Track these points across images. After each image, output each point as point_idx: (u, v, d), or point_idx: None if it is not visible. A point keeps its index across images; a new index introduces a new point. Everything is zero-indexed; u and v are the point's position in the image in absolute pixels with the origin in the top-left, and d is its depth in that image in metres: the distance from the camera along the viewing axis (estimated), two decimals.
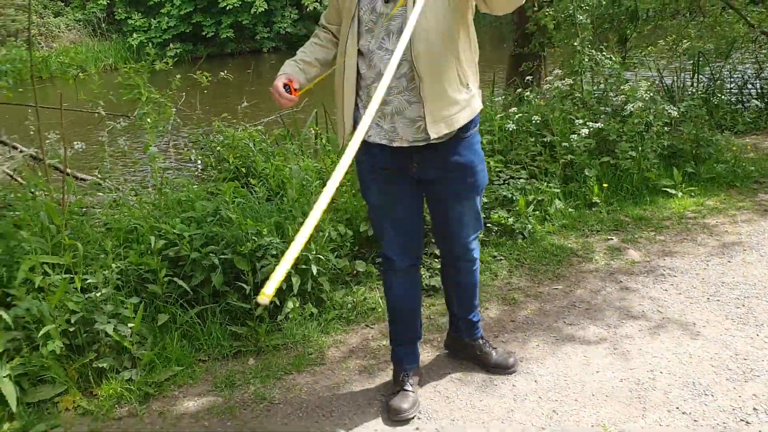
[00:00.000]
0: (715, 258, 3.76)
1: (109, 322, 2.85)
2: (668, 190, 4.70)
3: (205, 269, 3.26)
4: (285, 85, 2.35)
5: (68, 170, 5.03)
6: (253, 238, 3.37)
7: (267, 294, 1.24)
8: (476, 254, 2.70)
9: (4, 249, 3.06)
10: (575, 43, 5.34)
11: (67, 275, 2.98)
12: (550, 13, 5.76)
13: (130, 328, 2.87)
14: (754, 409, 2.47)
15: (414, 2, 2.05)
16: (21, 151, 5.49)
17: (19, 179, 4.95)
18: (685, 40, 8.09)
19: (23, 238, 3.06)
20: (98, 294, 2.92)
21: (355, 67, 2.32)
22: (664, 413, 2.48)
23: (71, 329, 2.84)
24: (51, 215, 3.18)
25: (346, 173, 4.43)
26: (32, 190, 3.89)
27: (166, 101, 4.14)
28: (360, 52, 2.32)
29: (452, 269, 2.73)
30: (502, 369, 2.80)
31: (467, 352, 2.88)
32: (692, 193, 4.71)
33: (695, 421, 2.43)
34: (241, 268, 3.25)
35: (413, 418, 2.54)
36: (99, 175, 5.15)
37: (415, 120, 2.29)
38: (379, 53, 2.26)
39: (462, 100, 2.32)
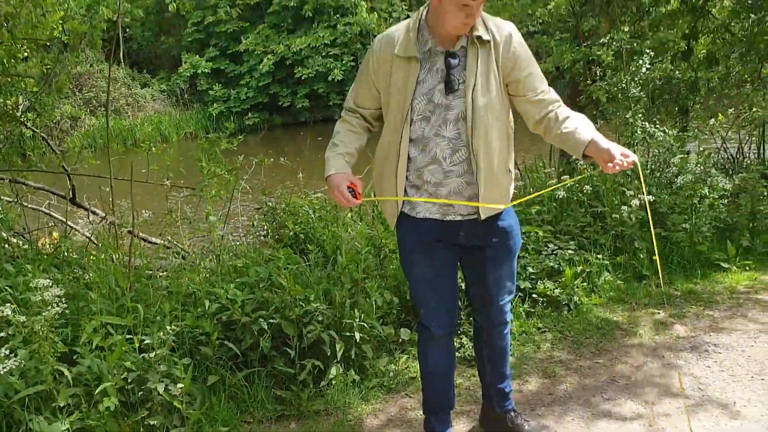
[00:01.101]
0: (764, 335, 3.69)
1: (161, 381, 3.04)
2: (721, 263, 4.64)
3: (254, 333, 3.43)
4: (349, 188, 2.43)
5: (139, 234, 5.39)
6: (301, 303, 3.54)
7: None
8: (510, 317, 2.81)
9: (73, 309, 3.33)
10: (627, 116, 5.40)
11: (128, 335, 3.21)
12: (603, 86, 5.85)
13: (180, 387, 3.05)
14: None
15: (473, 92, 2.37)
16: (98, 216, 5.92)
17: (95, 241, 5.32)
18: (751, 110, 7.99)
19: (92, 299, 3.33)
20: (153, 354, 3.13)
21: (407, 153, 2.47)
22: None
23: (127, 387, 3.05)
24: (118, 278, 3.44)
25: (396, 241, 4.60)
26: (105, 252, 4.21)
27: (226, 174, 4.43)
28: (410, 138, 2.48)
29: (486, 334, 2.81)
30: None
31: (500, 425, 2.91)
32: (747, 267, 4.63)
33: None
34: (288, 332, 3.42)
35: None
36: (168, 240, 5.49)
37: (470, 197, 2.47)
38: (436, 140, 2.43)
39: (507, 182, 2.55)
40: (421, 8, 2.47)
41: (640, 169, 2.56)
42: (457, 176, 2.45)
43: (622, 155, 2.27)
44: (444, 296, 2.65)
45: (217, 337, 3.39)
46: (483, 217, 2.47)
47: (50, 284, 2.91)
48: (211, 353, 3.38)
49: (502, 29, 2.42)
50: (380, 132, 2.60)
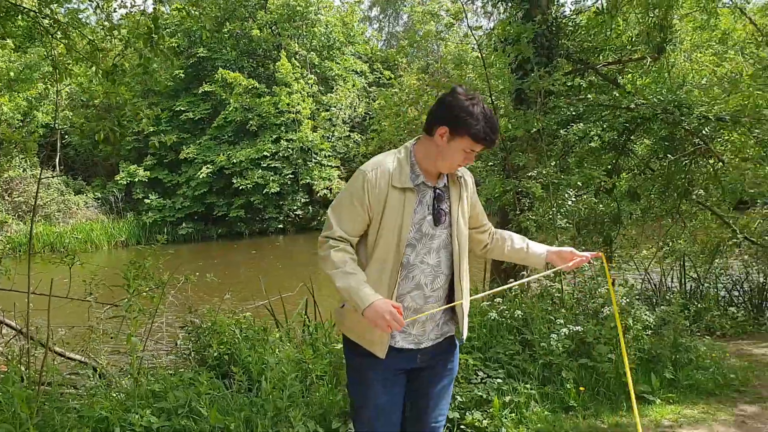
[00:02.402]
0: None
1: None
2: (646, 395, 4.68)
3: None
4: None
5: (55, 347, 5.13)
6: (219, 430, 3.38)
7: None
8: None
9: None
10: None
11: None
12: (531, 216, 6.07)
13: None
14: None
15: (457, 226, 2.60)
16: (12, 329, 5.63)
17: (6, 356, 5.02)
18: (671, 243, 8.40)
19: None
20: None
21: (396, 279, 2.53)
22: None
23: None
24: (21, 405, 3.23)
25: (324, 366, 4.50)
26: (14, 371, 3.96)
27: (151, 294, 4.32)
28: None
29: None
30: None
31: None
32: (670, 401, 4.69)
33: None
34: None
35: None
36: (87, 356, 5.23)
37: (438, 323, 2.64)
38: (421, 267, 2.56)
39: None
40: (409, 143, 2.64)
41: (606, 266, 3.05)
42: (435, 301, 2.60)
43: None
44: (396, 425, 2.67)
45: None
46: (464, 337, 2.71)
47: None
48: None
49: (465, 171, 2.70)
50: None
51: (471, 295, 2.79)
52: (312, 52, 26.47)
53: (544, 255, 2.77)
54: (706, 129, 6.85)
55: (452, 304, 2.64)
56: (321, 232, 2.62)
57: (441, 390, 2.72)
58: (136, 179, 24.48)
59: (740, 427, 4.30)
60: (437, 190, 2.59)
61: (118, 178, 24.65)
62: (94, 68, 5.07)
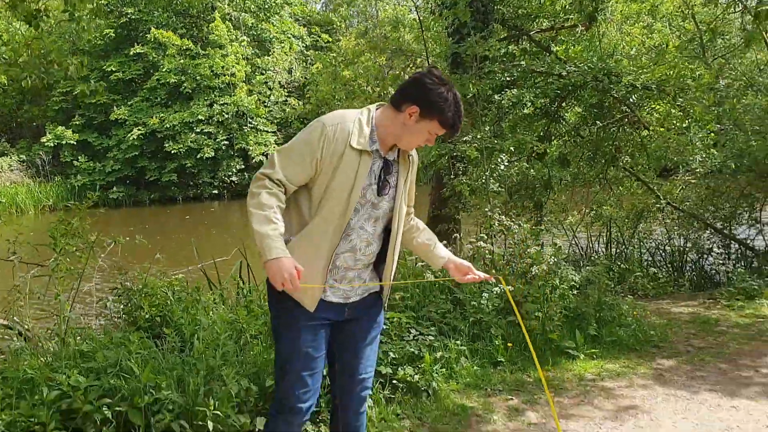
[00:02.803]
0: (609, 422, 3.88)
1: None
2: (570, 351, 4.88)
3: (96, 423, 3.20)
4: None
5: None
6: (151, 391, 3.36)
7: None
8: (369, 393, 2.86)
9: None
10: (486, 209, 5.70)
11: None
12: (466, 181, 6.17)
13: None
14: None
15: (401, 201, 2.66)
16: None
17: None
18: (598, 208, 8.68)
19: None
20: None
21: (338, 240, 2.54)
22: None
23: None
24: None
25: (259, 326, 4.50)
26: None
27: (79, 253, 4.21)
28: None
29: (343, 412, 2.80)
30: None
31: None
32: (594, 356, 4.90)
33: None
34: (135, 422, 3.21)
35: None
36: (10, 319, 5.07)
37: (365, 279, 2.69)
38: (359, 231, 2.60)
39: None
40: (372, 107, 2.63)
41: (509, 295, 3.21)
42: (363, 265, 2.66)
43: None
44: (319, 376, 2.69)
45: (54, 427, 3.12)
46: (386, 305, 2.82)
47: None
48: None
49: (413, 151, 2.72)
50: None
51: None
52: (246, 13, 25.85)
53: (444, 260, 2.86)
54: (633, 97, 7.07)
55: (381, 283, 2.76)
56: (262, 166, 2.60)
57: (368, 342, 2.77)
58: (64, 141, 23.58)
59: (658, 380, 4.54)
60: (387, 161, 2.61)
61: (45, 140, 23.69)
62: (14, 15, 4.80)
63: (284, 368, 2.64)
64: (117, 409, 3.22)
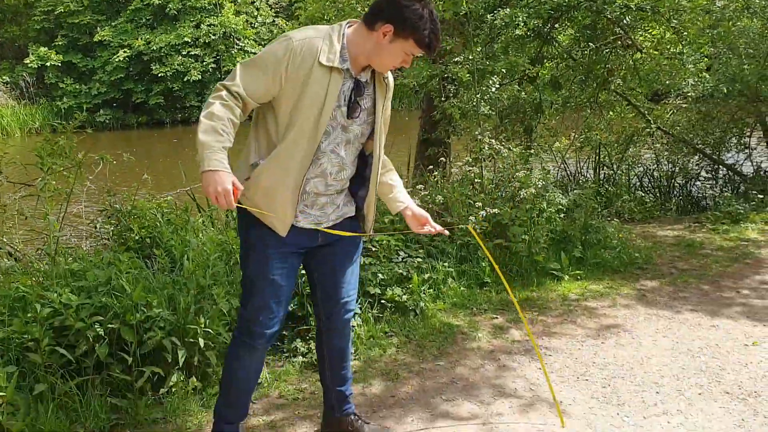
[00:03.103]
0: (590, 339, 3.99)
1: None
2: (555, 273, 4.97)
3: (89, 339, 3.25)
4: None
5: None
6: (142, 308, 3.41)
7: None
8: (352, 315, 2.86)
9: None
10: (476, 133, 5.67)
11: None
12: (456, 103, 6.11)
13: (1, 397, 2.83)
14: None
15: (380, 126, 2.56)
16: None
17: None
18: (588, 133, 8.66)
19: None
20: None
21: (308, 164, 2.45)
22: None
23: None
24: None
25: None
26: None
27: (66, 172, 4.18)
28: None
29: (328, 334, 2.82)
30: None
31: (339, 428, 2.93)
32: (578, 277, 5.00)
33: None
34: (127, 338, 3.27)
35: None
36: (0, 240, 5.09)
37: (339, 204, 2.63)
38: (330, 156, 2.49)
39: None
40: (343, 23, 2.49)
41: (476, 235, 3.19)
42: (335, 191, 2.58)
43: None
44: (285, 304, 2.65)
45: (47, 344, 3.18)
46: (369, 232, 2.76)
47: None
48: (40, 360, 3.16)
49: (389, 74, 2.61)
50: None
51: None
52: None
53: (403, 206, 2.77)
54: (627, 18, 6.93)
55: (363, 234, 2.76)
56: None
57: (347, 266, 2.73)
58: (48, 63, 23.03)
59: (640, 300, 4.64)
60: (358, 83, 2.48)
61: (28, 62, 23.10)
62: None
63: (251, 293, 2.59)
64: (109, 326, 3.27)
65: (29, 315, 3.33)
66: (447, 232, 2.90)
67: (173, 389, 3.29)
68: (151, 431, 3.05)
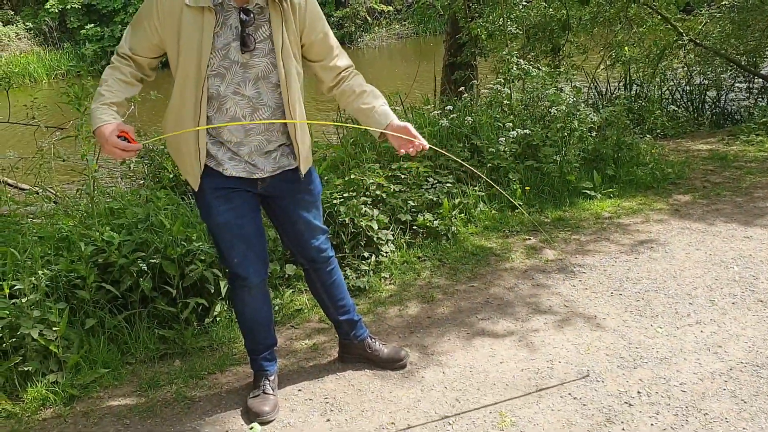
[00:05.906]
0: (624, 255, 4.00)
1: (35, 327, 2.95)
2: (588, 192, 4.94)
3: (133, 275, 3.37)
4: (120, 136, 2.24)
5: (6, 180, 5.10)
6: (183, 243, 3.50)
7: None
8: (330, 252, 2.82)
9: None
10: (504, 53, 5.57)
11: None
12: (483, 24, 5.98)
13: (56, 332, 2.97)
14: (638, 392, 2.68)
15: (282, 54, 2.34)
16: None
17: None
18: (618, 49, 8.43)
19: None
20: (25, 300, 3.01)
21: (206, 111, 2.35)
22: (557, 399, 2.68)
23: None
24: None
25: None
26: None
27: None
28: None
29: (313, 273, 2.83)
30: (394, 362, 2.95)
31: (358, 353, 2.99)
32: (611, 195, 4.97)
33: (584, 405, 2.63)
34: (169, 272, 3.38)
35: (274, 420, 2.66)
36: (39, 185, 5.22)
37: (272, 153, 2.49)
38: (234, 98, 2.36)
39: (309, 137, 2.59)
40: None
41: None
42: (258, 134, 2.44)
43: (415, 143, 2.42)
44: (251, 241, 2.57)
45: (93, 280, 3.30)
46: (303, 173, 2.55)
47: None
48: (88, 297, 3.29)
49: None
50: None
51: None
52: None
53: (385, 125, 2.46)
54: None
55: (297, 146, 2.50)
56: None
57: (302, 215, 2.64)
58: (68, 6, 22.93)
59: (673, 215, 4.62)
60: (245, 12, 2.29)
61: (48, 6, 23.05)
62: None
63: (216, 241, 2.59)
64: (151, 261, 3.37)
65: (74, 254, 3.45)
66: (428, 147, 2.47)
67: (217, 318, 3.41)
68: (198, 359, 3.17)
